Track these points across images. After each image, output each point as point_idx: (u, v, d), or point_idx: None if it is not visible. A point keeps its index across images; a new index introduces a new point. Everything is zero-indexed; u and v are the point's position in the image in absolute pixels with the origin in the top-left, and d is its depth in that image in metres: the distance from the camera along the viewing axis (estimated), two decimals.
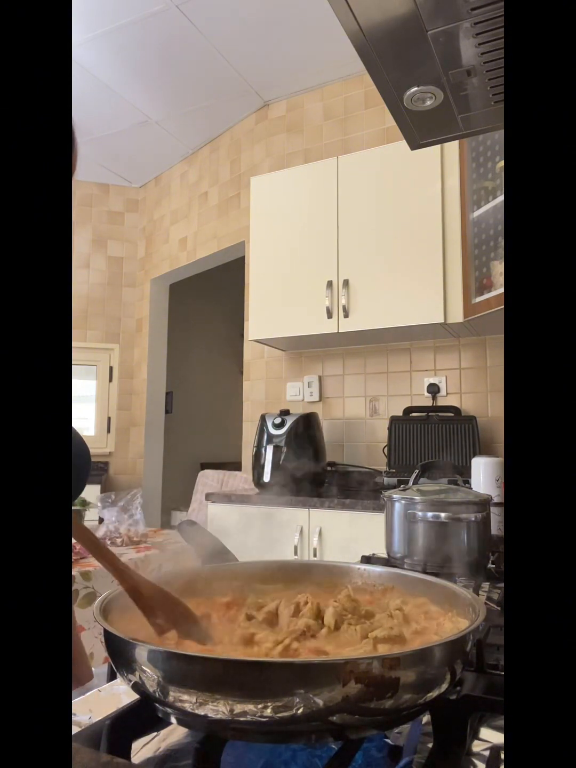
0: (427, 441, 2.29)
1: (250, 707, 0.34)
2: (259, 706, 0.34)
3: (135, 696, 0.42)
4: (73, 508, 2.13)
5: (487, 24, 0.64)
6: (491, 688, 0.50)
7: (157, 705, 0.38)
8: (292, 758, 0.42)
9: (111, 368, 4.02)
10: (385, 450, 2.40)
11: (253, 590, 0.58)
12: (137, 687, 0.39)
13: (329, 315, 2.35)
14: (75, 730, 0.44)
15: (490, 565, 0.97)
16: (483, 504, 0.96)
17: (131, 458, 3.95)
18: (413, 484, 1.05)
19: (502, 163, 2.05)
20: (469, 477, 1.60)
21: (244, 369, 3.12)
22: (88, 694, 0.55)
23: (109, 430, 3.96)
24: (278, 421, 2.32)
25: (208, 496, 2.33)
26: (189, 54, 2.77)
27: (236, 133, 3.36)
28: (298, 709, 0.34)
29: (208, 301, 5.07)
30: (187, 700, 0.36)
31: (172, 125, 3.39)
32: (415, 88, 0.76)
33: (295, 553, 2.06)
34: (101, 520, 2.28)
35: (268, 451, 2.27)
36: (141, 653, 0.37)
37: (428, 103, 0.79)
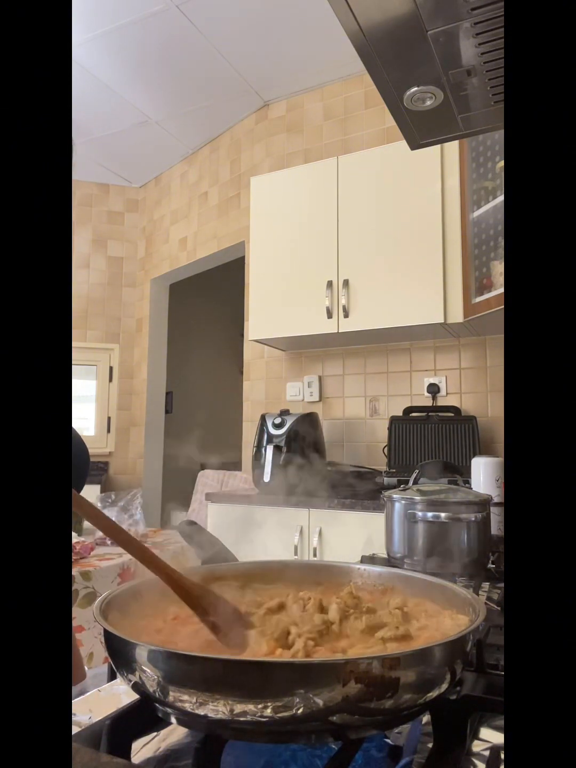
0: (427, 441, 2.29)
1: (250, 707, 0.34)
2: (259, 706, 0.34)
3: (135, 696, 0.42)
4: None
5: (487, 24, 0.64)
6: (491, 688, 0.50)
7: (157, 705, 0.38)
8: (292, 758, 0.42)
9: (111, 368, 4.02)
10: (385, 450, 2.40)
11: (253, 590, 0.58)
12: (137, 687, 0.39)
13: (329, 315, 2.35)
14: (75, 730, 0.44)
15: (490, 565, 0.97)
16: (483, 504, 0.96)
17: (131, 458, 3.95)
18: (413, 484, 1.05)
19: (502, 163, 2.05)
20: (469, 477, 1.60)
21: (244, 369, 3.12)
22: (88, 694, 0.55)
23: (109, 430, 3.96)
24: (278, 421, 2.32)
25: (208, 496, 2.33)
26: (189, 54, 2.77)
27: (236, 133, 3.36)
28: (298, 709, 0.34)
29: (208, 301, 5.07)
30: (187, 700, 0.36)
31: (172, 125, 3.39)
32: (415, 88, 0.76)
33: (295, 553, 2.06)
34: None
35: (268, 451, 2.27)
36: (141, 653, 0.37)
37: (428, 103, 0.79)
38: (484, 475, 1.52)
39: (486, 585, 0.90)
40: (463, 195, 2.13)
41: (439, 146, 2.20)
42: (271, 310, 2.52)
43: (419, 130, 0.88)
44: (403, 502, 0.97)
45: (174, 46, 2.72)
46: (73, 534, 2.06)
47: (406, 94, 0.77)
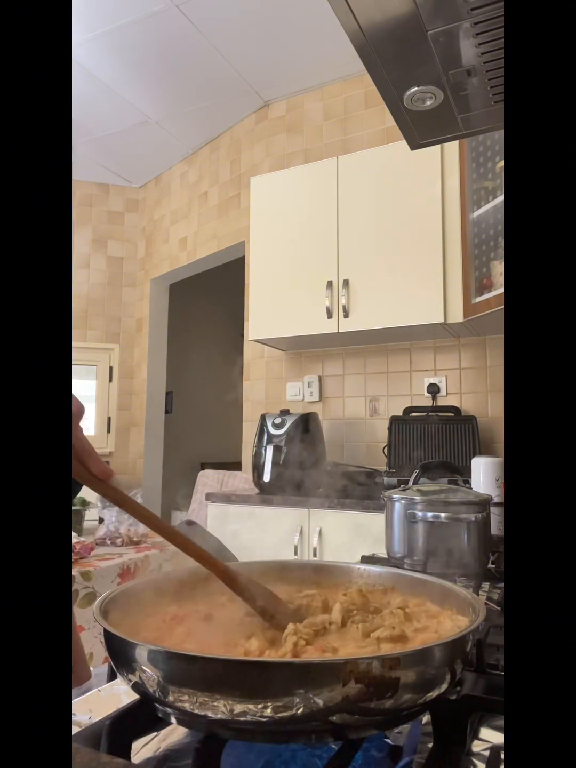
0: (427, 441, 2.29)
1: (250, 707, 0.34)
2: (259, 706, 0.34)
3: (135, 696, 0.42)
4: (73, 508, 2.13)
5: (487, 24, 0.64)
6: (491, 688, 0.50)
7: (157, 705, 0.38)
8: (292, 758, 0.42)
9: (111, 368, 4.02)
10: (385, 450, 2.40)
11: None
12: (137, 687, 0.39)
13: (329, 315, 2.35)
14: (75, 730, 0.44)
15: (490, 565, 0.97)
16: (483, 504, 0.96)
17: (131, 458, 3.95)
18: (413, 484, 1.05)
19: (502, 163, 2.05)
20: (469, 477, 1.60)
21: (244, 369, 3.12)
22: (88, 694, 0.55)
23: (109, 430, 3.96)
24: (278, 421, 2.32)
25: (208, 496, 2.33)
26: (189, 54, 2.77)
27: (236, 133, 3.36)
28: (298, 709, 0.34)
29: (208, 301, 5.07)
30: (187, 700, 0.36)
31: (172, 125, 3.39)
32: (415, 88, 0.76)
33: (295, 553, 2.06)
34: (101, 520, 2.28)
35: (268, 451, 2.27)
36: (141, 653, 0.37)
37: (428, 103, 0.79)
38: (484, 475, 1.52)
39: (486, 585, 0.90)
40: (463, 195, 2.13)
41: (439, 146, 2.20)
42: (271, 310, 2.52)
43: (419, 130, 0.88)
44: (403, 502, 0.97)
45: (174, 46, 2.72)
46: (73, 534, 2.06)
47: (406, 94, 0.77)
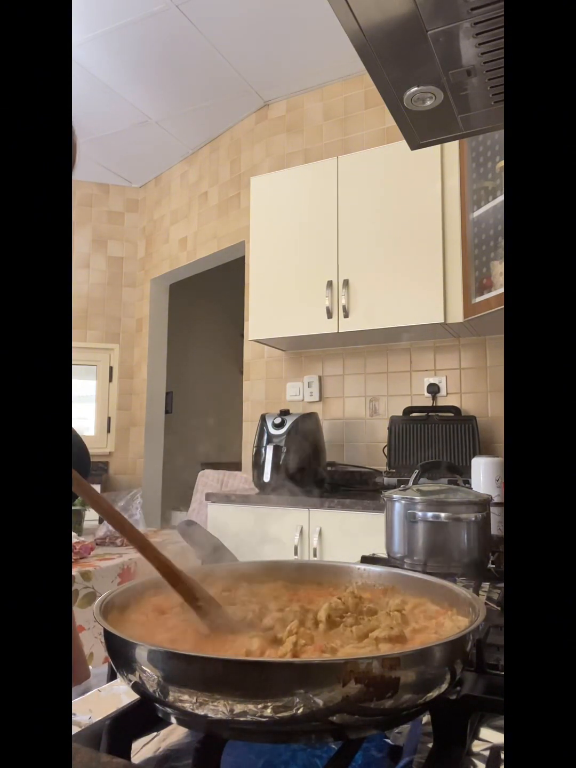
0: (427, 441, 2.29)
1: (250, 707, 0.34)
2: (259, 706, 0.34)
3: (135, 696, 0.42)
4: (73, 508, 2.13)
5: (487, 24, 0.64)
6: (491, 688, 0.50)
7: (157, 705, 0.38)
8: (292, 758, 0.42)
9: (111, 368, 4.02)
10: (385, 450, 2.40)
11: (246, 589, 0.58)
12: (137, 687, 0.39)
13: (329, 315, 2.35)
14: (75, 730, 0.44)
15: (490, 565, 0.97)
16: (483, 504, 0.96)
17: (131, 458, 3.95)
18: (413, 484, 1.05)
19: (502, 163, 2.05)
20: (469, 477, 1.60)
21: (244, 369, 3.12)
22: (88, 694, 0.55)
23: (109, 430, 3.96)
24: (278, 421, 2.32)
25: (208, 496, 2.33)
26: (189, 54, 2.77)
27: (236, 133, 3.36)
28: (298, 709, 0.34)
29: (208, 301, 5.07)
30: (187, 700, 0.36)
31: (172, 125, 3.39)
32: (415, 88, 0.76)
33: (295, 553, 2.06)
34: (101, 520, 2.28)
35: (268, 451, 2.27)
36: (141, 653, 0.37)
37: (428, 103, 0.79)
38: (484, 475, 1.52)
39: (486, 585, 0.90)
40: (463, 195, 2.13)
41: (439, 146, 2.20)
42: (271, 310, 2.52)
43: (419, 130, 0.88)
44: (403, 502, 0.97)
45: (174, 46, 2.72)
46: (73, 534, 2.06)
47: (406, 94, 0.77)
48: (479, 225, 2.12)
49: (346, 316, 2.32)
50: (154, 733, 0.46)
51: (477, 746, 0.44)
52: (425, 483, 1.07)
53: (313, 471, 2.29)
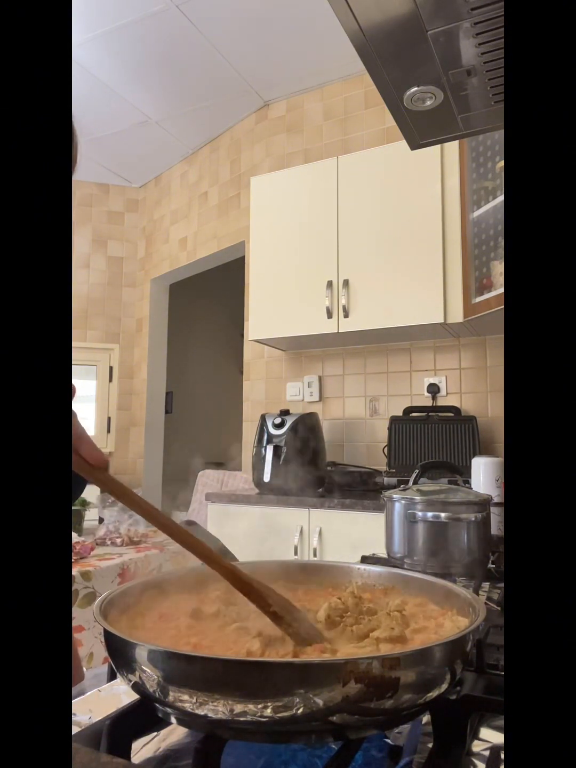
0: (427, 441, 2.29)
1: (250, 707, 0.34)
2: (259, 706, 0.34)
3: (135, 696, 0.42)
4: (73, 508, 2.13)
5: (487, 24, 0.64)
6: (491, 688, 0.50)
7: (157, 705, 0.38)
8: (292, 758, 0.42)
9: (111, 368, 4.02)
10: (385, 450, 2.40)
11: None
12: (137, 687, 0.39)
13: (329, 315, 2.35)
14: (75, 730, 0.44)
15: (490, 565, 0.97)
16: (483, 504, 0.96)
17: (131, 458, 3.95)
18: (413, 484, 1.05)
19: (502, 163, 2.05)
20: (469, 477, 1.60)
21: (244, 369, 3.12)
22: (88, 694, 0.55)
23: (109, 430, 3.96)
24: (278, 421, 2.32)
25: (208, 496, 2.33)
26: (189, 54, 2.77)
27: (236, 133, 3.36)
28: (298, 709, 0.34)
29: (208, 301, 5.07)
30: (187, 700, 0.36)
31: (172, 125, 3.39)
32: (415, 88, 0.76)
33: (295, 553, 2.06)
34: (101, 520, 2.28)
35: (268, 451, 2.27)
36: (141, 653, 0.37)
37: (428, 103, 0.79)
38: (484, 475, 1.52)
39: (486, 585, 0.90)
40: (463, 195, 2.13)
41: (439, 146, 2.20)
42: (271, 310, 2.52)
43: (419, 130, 0.88)
44: (403, 502, 0.97)
45: (174, 46, 2.72)
46: (73, 534, 2.06)
47: (406, 94, 0.77)
48: (479, 225, 2.12)
49: (346, 316, 2.32)
50: (154, 733, 0.46)
51: (477, 746, 0.44)
52: (425, 483, 1.07)
53: (313, 471, 2.29)
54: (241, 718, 0.35)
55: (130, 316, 4.09)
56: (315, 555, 2.02)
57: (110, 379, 4.01)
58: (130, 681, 0.39)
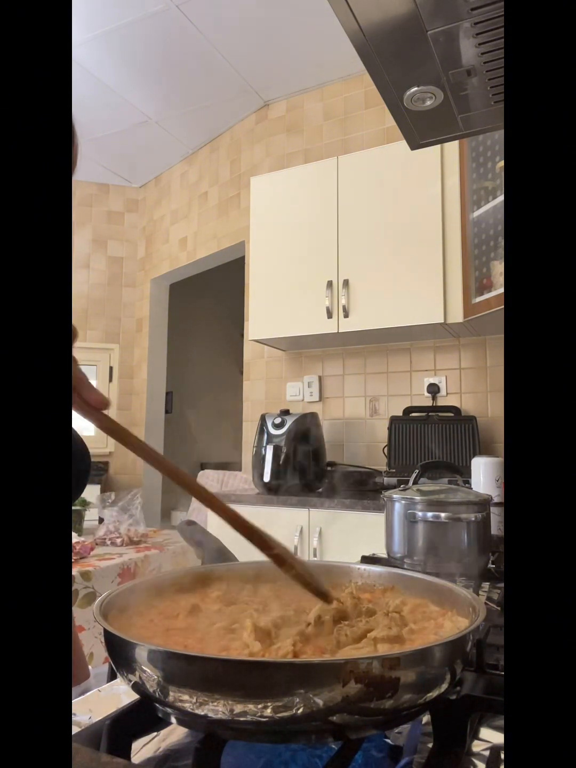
0: (427, 441, 2.29)
1: (250, 707, 0.34)
2: (259, 706, 0.34)
3: (135, 696, 0.42)
4: (73, 508, 2.13)
5: (487, 24, 0.64)
6: (491, 688, 0.50)
7: (157, 705, 0.38)
8: (292, 758, 0.42)
9: (111, 368, 4.02)
10: (385, 450, 2.40)
11: (248, 590, 0.58)
12: (137, 687, 0.39)
13: (329, 315, 2.35)
14: (75, 730, 0.44)
15: (490, 565, 0.97)
16: (483, 504, 0.96)
17: (131, 458, 3.95)
18: (413, 484, 1.05)
19: (502, 163, 2.05)
20: (469, 477, 1.60)
21: (244, 369, 3.12)
22: (88, 694, 0.55)
23: None
24: (278, 421, 2.32)
25: None
26: (189, 54, 2.77)
27: (236, 133, 3.36)
28: (298, 709, 0.34)
29: (208, 301, 5.07)
30: (187, 700, 0.36)
31: (172, 125, 3.39)
32: (415, 88, 0.76)
33: (295, 553, 2.06)
34: (101, 520, 2.28)
35: (268, 451, 2.27)
36: (141, 653, 0.37)
37: (428, 103, 0.79)
38: (484, 475, 1.52)
39: (486, 585, 0.90)
40: (463, 195, 2.13)
41: (439, 146, 2.20)
42: (271, 310, 2.52)
43: (419, 130, 0.88)
44: (403, 502, 0.97)
45: (174, 46, 2.72)
46: (73, 534, 2.06)
47: (406, 94, 0.77)
48: (479, 225, 2.12)
49: (346, 316, 2.32)
50: (154, 733, 0.46)
51: (477, 746, 0.44)
52: (425, 483, 1.07)
53: (313, 471, 2.29)
54: (241, 718, 0.35)
55: (130, 316, 4.09)
56: (315, 555, 2.02)
57: (110, 379, 4.01)
58: (130, 681, 0.39)
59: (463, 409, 2.42)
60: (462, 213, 2.12)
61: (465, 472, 1.46)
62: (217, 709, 0.35)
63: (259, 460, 2.31)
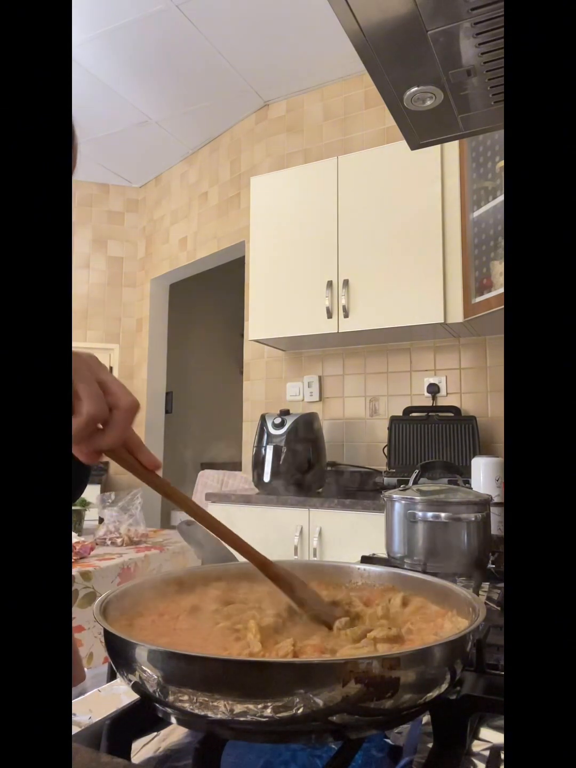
0: (427, 441, 2.29)
1: (250, 707, 0.34)
2: (259, 706, 0.34)
3: (135, 696, 0.42)
4: (73, 508, 2.13)
5: (487, 24, 0.64)
6: (491, 688, 0.50)
7: (157, 705, 0.38)
8: (292, 758, 0.42)
9: (111, 368, 4.02)
10: (385, 450, 2.40)
11: (246, 589, 0.58)
12: (137, 687, 0.39)
13: (329, 315, 2.35)
14: (75, 730, 0.44)
15: (490, 565, 0.97)
16: (483, 504, 0.96)
17: None
18: (413, 484, 1.05)
19: (502, 163, 2.05)
20: (469, 477, 1.60)
21: (244, 369, 3.12)
22: (88, 694, 0.55)
23: None
24: (278, 421, 2.32)
25: (208, 496, 2.33)
26: (189, 54, 2.77)
27: (236, 133, 3.36)
28: (298, 709, 0.34)
29: (208, 301, 5.07)
30: (187, 700, 0.36)
31: (172, 125, 3.39)
32: (415, 88, 0.76)
33: (295, 553, 2.06)
34: (101, 520, 2.28)
35: (268, 451, 2.27)
36: (141, 653, 0.37)
37: (428, 103, 0.79)
38: (484, 475, 1.52)
39: (486, 585, 0.90)
40: (463, 195, 2.13)
41: (439, 146, 2.20)
42: (271, 310, 2.52)
43: (419, 130, 0.88)
44: (403, 502, 0.97)
45: (174, 46, 2.72)
46: (73, 534, 2.06)
47: (406, 94, 0.77)
48: (479, 225, 2.12)
49: (346, 316, 2.32)
50: (154, 733, 0.46)
51: (477, 746, 0.44)
52: (425, 483, 1.07)
53: (313, 471, 2.29)
54: (241, 718, 0.35)
55: (130, 316, 4.09)
56: (315, 555, 2.02)
57: None
58: (130, 681, 0.39)
59: (463, 409, 2.42)
60: (462, 213, 2.12)
61: (465, 472, 1.46)
62: (217, 709, 0.35)
63: (259, 460, 2.31)
